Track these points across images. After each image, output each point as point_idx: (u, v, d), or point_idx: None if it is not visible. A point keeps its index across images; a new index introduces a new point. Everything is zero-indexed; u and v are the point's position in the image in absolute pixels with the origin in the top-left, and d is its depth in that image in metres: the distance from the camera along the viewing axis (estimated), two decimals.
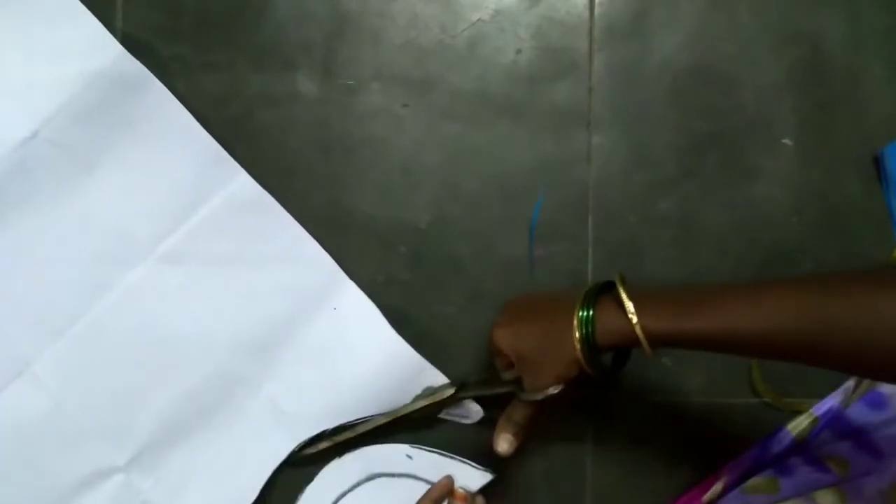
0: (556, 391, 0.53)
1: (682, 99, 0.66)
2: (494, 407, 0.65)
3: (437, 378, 0.65)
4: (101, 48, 0.62)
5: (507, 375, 0.57)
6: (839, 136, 0.66)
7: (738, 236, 0.66)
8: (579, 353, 0.51)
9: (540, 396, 0.54)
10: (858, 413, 0.57)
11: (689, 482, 0.64)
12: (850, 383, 0.61)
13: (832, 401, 0.62)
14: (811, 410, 0.63)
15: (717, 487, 0.62)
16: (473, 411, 0.65)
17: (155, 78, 0.63)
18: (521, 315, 0.56)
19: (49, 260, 0.63)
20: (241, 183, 0.64)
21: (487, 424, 0.65)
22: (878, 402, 0.57)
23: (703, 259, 0.66)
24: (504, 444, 0.56)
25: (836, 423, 0.61)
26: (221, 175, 0.64)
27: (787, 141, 0.66)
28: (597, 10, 0.66)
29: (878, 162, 0.66)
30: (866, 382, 0.59)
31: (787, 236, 0.66)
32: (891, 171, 0.65)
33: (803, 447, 0.62)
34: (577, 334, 0.51)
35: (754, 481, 0.60)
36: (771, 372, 0.65)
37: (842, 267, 0.66)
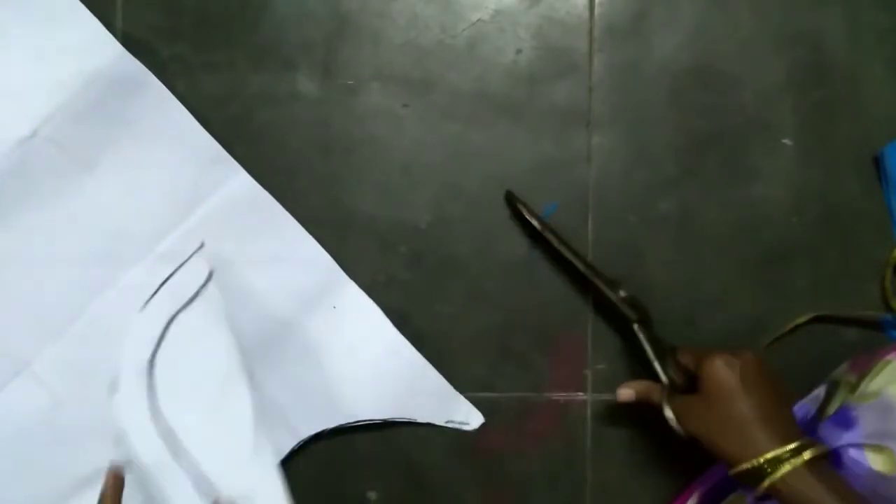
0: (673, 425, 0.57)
1: (682, 99, 0.66)
2: (495, 414, 0.65)
3: (458, 403, 0.65)
4: (101, 47, 0.62)
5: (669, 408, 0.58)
6: (839, 136, 0.66)
7: (738, 236, 0.66)
8: (740, 472, 0.52)
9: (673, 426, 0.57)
10: (828, 432, 0.56)
11: (688, 482, 0.64)
12: (821, 391, 0.61)
13: (804, 409, 0.61)
14: None
15: (692, 503, 0.62)
16: (474, 417, 0.65)
17: (154, 77, 0.63)
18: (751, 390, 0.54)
19: (48, 258, 0.63)
20: (241, 182, 0.64)
21: (486, 429, 0.65)
22: (846, 422, 0.56)
23: (703, 259, 0.66)
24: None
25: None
26: (221, 174, 0.64)
27: (787, 141, 0.66)
28: (597, 10, 0.66)
29: (878, 162, 0.66)
30: (840, 397, 0.58)
31: (787, 236, 0.66)
32: (891, 171, 0.65)
33: None
34: (764, 471, 0.51)
35: (729, 499, 0.60)
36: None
37: (841, 267, 0.66)
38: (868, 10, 0.66)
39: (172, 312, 0.61)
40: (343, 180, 0.66)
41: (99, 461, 0.63)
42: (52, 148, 0.62)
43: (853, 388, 0.56)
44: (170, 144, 0.64)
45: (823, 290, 0.66)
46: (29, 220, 0.63)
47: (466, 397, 0.65)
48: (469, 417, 0.65)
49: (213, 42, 0.65)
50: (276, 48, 0.65)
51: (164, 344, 0.61)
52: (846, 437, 0.54)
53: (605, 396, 0.66)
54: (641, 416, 0.65)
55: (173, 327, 0.61)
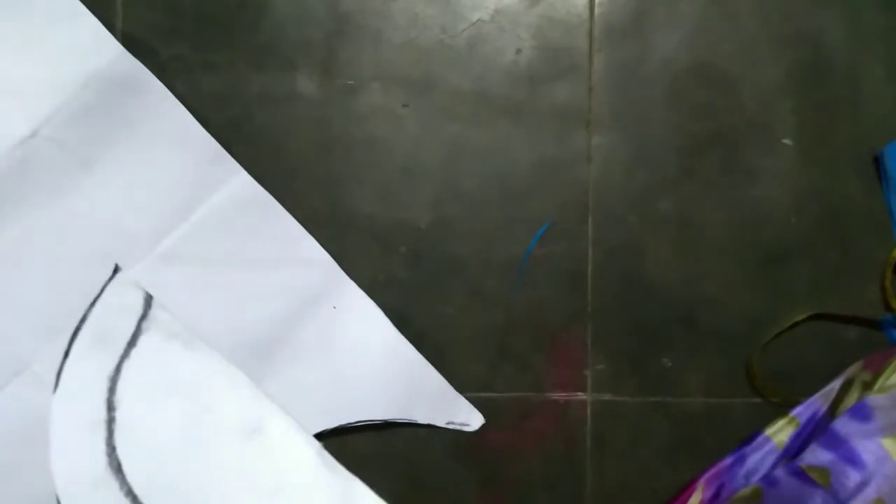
0: None
1: (682, 99, 0.66)
2: (495, 414, 0.65)
3: (459, 404, 0.65)
4: (101, 47, 0.63)
5: None
6: (839, 136, 0.66)
7: (738, 236, 0.66)
8: None
9: None
10: (843, 425, 0.57)
11: (688, 482, 0.64)
12: (835, 384, 0.61)
13: (815, 405, 0.61)
14: (791, 413, 0.63)
15: (695, 500, 0.62)
16: (474, 418, 0.65)
17: (154, 77, 0.63)
18: None
19: (48, 258, 0.63)
20: (241, 182, 0.64)
21: (486, 429, 0.65)
22: (863, 414, 0.56)
23: (703, 259, 0.66)
24: None
25: (820, 434, 0.60)
26: (221, 174, 0.64)
27: (787, 141, 0.66)
28: (597, 10, 0.66)
29: (878, 162, 0.66)
30: (854, 394, 0.59)
31: (787, 236, 0.66)
32: (891, 171, 0.65)
33: (786, 455, 0.61)
34: None
35: (740, 492, 0.60)
36: (771, 372, 0.65)
37: (841, 267, 0.66)
38: (868, 10, 0.66)
39: (111, 368, 0.60)
40: (343, 180, 0.66)
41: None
42: (52, 147, 0.62)
43: (868, 385, 0.57)
44: (170, 144, 0.64)
45: (823, 290, 0.66)
46: (29, 220, 0.63)
47: (466, 397, 0.65)
48: (470, 418, 0.65)
49: (213, 42, 0.65)
50: (276, 48, 0.65)
51: (118, 399, 0.60)
52: (862, 427, 0.55)
53: (605, 396, 0.66)
54: (641, 416, 0.66)
55: (123, 377, 0.60)
